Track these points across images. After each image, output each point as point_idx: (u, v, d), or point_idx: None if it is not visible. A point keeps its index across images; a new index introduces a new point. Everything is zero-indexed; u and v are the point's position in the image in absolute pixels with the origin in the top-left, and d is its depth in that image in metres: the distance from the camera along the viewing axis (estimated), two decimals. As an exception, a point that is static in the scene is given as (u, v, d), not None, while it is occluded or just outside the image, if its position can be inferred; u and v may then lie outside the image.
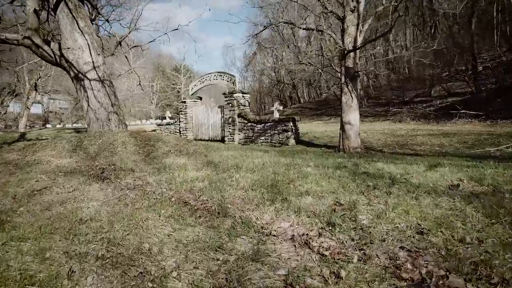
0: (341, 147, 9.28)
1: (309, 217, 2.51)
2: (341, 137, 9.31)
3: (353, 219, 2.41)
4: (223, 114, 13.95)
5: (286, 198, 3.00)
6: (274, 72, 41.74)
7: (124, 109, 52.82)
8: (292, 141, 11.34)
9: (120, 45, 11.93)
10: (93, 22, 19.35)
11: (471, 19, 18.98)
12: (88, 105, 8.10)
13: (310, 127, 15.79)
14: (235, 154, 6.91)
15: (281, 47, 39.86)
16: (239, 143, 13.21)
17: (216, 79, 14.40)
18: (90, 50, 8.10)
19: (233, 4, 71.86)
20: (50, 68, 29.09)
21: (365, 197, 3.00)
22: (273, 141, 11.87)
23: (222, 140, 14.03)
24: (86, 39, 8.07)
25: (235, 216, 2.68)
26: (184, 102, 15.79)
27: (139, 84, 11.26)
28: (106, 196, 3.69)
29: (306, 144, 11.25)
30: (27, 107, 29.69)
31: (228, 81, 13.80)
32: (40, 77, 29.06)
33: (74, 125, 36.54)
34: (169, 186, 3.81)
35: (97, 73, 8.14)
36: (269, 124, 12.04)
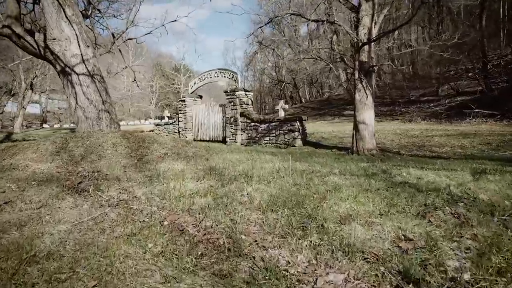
0: (354, 148, 8.41)
1: (369, 262, 1.66)
2: (354, 138, 8.45)
3: (441, 268, 1.55)
4: (225, 113, 13.08)
5: (322, 225, 2.14)
6: (275, 72, 40.90)
7: (123, 108, 51.93)
8: (299, 142, 10.48)
9: (115, 38, 11.07)
10: (89, 18, 18.49)
11: (482, 15, 18.14)
12: (76, 102, 7.21)
13: (314, 127, 14.93)
14: (241, 158, 6.05)
15: (283, 46, 39.03)
16: (241, 144, 12.34)
17: (217, 77, 13.52)
18: (78, 41, 7.22)
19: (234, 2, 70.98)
20: (47, 67, 28.18)
21: (431, 223, 2.14)
22: (279, 142, 11.00)
23: (224, 141, 13.16)
24: (74, 29, 7.19)
25: (253, 257, 1.82)
26: (184, 100, 14.91)
27: (134, 80, 10.36)
28: (80, 216, 2.81)
29: (314, 145, 10.39)
30: (23, 107, 28.76)
31: (229, 78, 12.93)
32: (36, 76, 28.11)
33: (72, 125, 35.57)
34: (162, 202, 2.94)
35: (86, 67, 7.26)
36: (274, 124, 11.17)
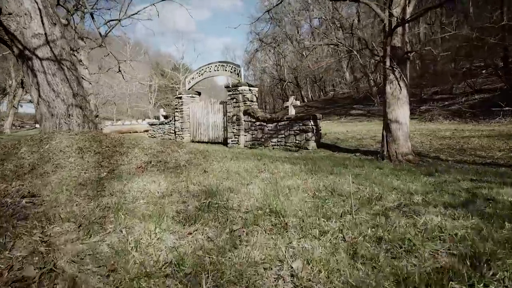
0: (385, 152, 6.80)
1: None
2: (385, 140, 6.84)
3: None
4: (226, 111, 11.45)
5: None
6: (276, 70, 39.29)
7: (120, 108, 50.20)
8: (312, 144, 8.86)
9: (103, 33, 9.45)
10: (78, 12, 16.76)
11: (502, 7, 16.56)
12: (39, 95, 5.57)
13: (325, 127, 13.31)
14: (250, 168, 4.44)
15: (284, 44, 37.45)
16: (245, 146, 10.72)
17: (218, 70, 11.89)
18: (41, 17, 5.58)
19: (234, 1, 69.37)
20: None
21: None
22: (288, 144, 9.39)
23: (225, 142, 11.54)
24: (36, 2, 5.56)
25: None
26: (180, 98, 13.26)
27: (119, 71, 8.74)
28: None
29: (330, 148, 8.77)
30: (14, 106, 27.06)
31: (231, 72, 11.30)
32: (27, 74, 26.30)
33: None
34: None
35: (51, 50, 5.62)
36: (283, 123, 9.55)
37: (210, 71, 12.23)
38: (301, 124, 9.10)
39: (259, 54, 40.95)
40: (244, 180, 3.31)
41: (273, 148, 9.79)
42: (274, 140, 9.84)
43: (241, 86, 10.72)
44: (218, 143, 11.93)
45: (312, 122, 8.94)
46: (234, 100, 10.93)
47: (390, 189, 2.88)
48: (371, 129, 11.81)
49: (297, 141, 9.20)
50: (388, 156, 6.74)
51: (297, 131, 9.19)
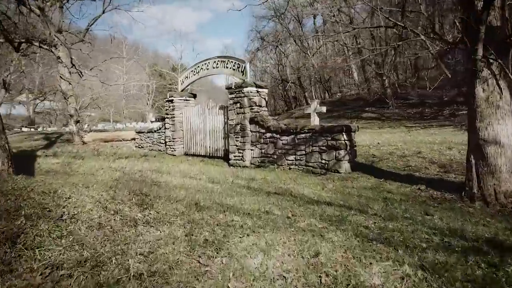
0: (475, 190, 4.30)
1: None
2: (473, 169, 4.34)
3: None
4: (227, 118, 8.95)
5: None
6: (278, 70, 36.78)
7: (118, 109, 47.69)
8: (345, 166, 6.37)
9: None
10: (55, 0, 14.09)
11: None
12: None
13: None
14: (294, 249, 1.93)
15: (285, 44, 34.95)
16: (252, 163, 8.21)
17: (217, 67, 9.36)
18: None
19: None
20: (23, 64, 23.74)
21: None
22: (311, 164, 6.88)
23: (226, 157, 9.03)
24: None
25: None
26: (172, 101, 10.70)
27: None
28: None
29: (369, 171, 6.29)
30: (-5, 108, 24.40)
31: (234, 69, 8.78)
32: (10, 73, 23.70)
33: (65, 128, 31.12)
34: None
35: None
36: (303, 136, 7.04)
37: (207, 69, 9.70)
38: (329, 138, 6.59)
39: (259, 54, 38.43)
40: None
41: (290, 169, 7.28)
42: (291, 157, 7.32)
43: (246, 87, 8.20)
44: (218, 157, 9.41)
45: (345, 136, 6.43)
46: (238, 104, 8.41)
47: None
48: (405, 140, 9.33)
49: (323, 161, 6.69)
50: (482, 197, 4.24)
51: (324, 147, 6.68)
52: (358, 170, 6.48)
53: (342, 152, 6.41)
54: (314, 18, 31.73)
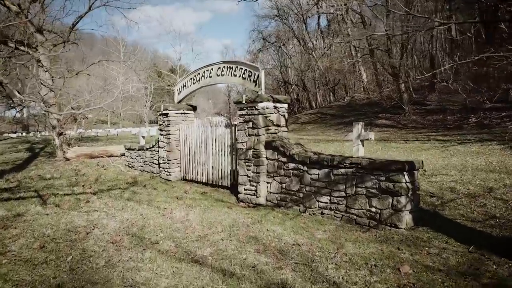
0: None
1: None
2: None
3: None
4: (234, 138, 6.99)
5: None
6: (280, 72, 34.80)
7: (117, 111, 45.59)
8: (407, 219, 4.43)
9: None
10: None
11: None
12: None
13: (367, 148, 8.89)
14: None
15: (288, 45, 32.99)
16: (268, 200, 6.24)
17: (222, 75, 7.37)
18: None
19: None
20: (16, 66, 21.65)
21: None
22: (354, 212, 4.93)
23: (234, 186, 7.07)
24: None
25: None
26: (166, 115, 8.68)
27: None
28: None
29: (437, 226, 4.38)
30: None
31: (244, 78, 6.80)
32: (-5, 77, 21.63)
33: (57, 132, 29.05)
34: None
35: None
36: (342, 170, 5.08)
37: (210, 77, 7.71)
38: (382, 179, 4.62)
39: (261, 55, 36.43)
40: None
41: (323, 214, 5.32)
42: (324, 199, 5.36)
43: (261, 101, 6.22)
44: (223, 187, 7.45)
45: (407, 177, 4.48)
46: (250, 124, 6.43)
47: None
48: (454, 165, 7.40)
49: (373, 209, 4.73)
50: None
51: (374, 190, 4.72)
52: (421, 222, 4.54)
53: (402, 200, 4.45)
54: (319, 18, 29.77)
